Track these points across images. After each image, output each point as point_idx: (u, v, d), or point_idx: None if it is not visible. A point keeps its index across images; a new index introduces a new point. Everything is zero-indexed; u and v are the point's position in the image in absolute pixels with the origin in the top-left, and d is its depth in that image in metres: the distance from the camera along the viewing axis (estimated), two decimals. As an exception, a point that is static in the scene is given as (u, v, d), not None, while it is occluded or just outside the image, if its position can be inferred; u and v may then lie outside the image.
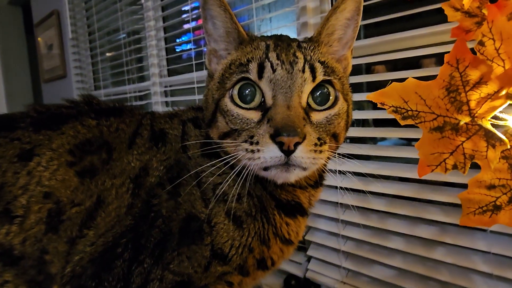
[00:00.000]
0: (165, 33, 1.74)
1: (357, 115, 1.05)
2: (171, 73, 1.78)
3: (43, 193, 0.49)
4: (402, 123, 0.38)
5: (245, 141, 0.46)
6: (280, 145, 0.44)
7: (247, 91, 0.49)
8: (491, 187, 0.39)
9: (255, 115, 0.48)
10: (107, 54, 2.09)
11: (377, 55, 0.93)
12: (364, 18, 1.09)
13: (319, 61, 0.50)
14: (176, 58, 1.78)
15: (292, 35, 1.19)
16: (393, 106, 0.38)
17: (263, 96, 0.48)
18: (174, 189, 0.50)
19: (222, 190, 0.50)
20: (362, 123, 1.19)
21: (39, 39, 2.68)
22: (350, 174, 1.06)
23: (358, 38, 1.05)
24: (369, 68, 1.13)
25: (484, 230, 0.81)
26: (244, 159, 0.47)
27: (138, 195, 0.50)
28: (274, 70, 0.47)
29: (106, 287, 0.46)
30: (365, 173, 1.00)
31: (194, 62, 1.47)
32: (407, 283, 0.91)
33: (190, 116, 0.60)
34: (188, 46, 1.57)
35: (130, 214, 0.49)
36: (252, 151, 0.45)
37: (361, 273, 1.00)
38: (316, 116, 0.49)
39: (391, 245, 0.93)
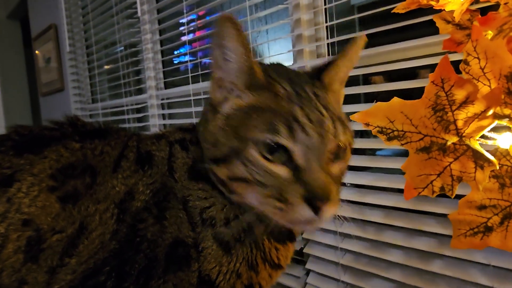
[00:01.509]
0: (161, 46, 1.75)
1: (355, 126, 1.04)
2: (168, 85, 1.78)
3: (22, 220, 0.47)
4: (388, 144, 0.37)
5: (273, 197, 0.45)
6: (314, 207, 0.44)
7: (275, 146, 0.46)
8: (482, 207, 0.37)
9: (284, 172, 0.46)
10: (105, 67, 2.10)
11: (373, 66, 0.93)
12: (360, 29, 1.10)
13: (338, 118, 0.48)
14: (172, 71, 1.78)
15: (288, 46, 1.20)
16: (378, 127, 0.37)
17: (289, 150, 0.46)
18: (160, 213, 0.49)
19: (210, 214, 0.50)
20: (361, 134, 1.18)
21: (37, 52, 2.70)
22: (348, 185, 1.06)
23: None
24: (366, 79, 1.13)
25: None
26: (269, 213, 0.47)
27: (123, 221, 0.48)
28: (306, 133, 0.45)
29: None
30: (363, 184, 1.00)
31: (190, 75, 1.48)
32: (406, 297, 0.89)
33: (178, 137, 0.58)
34: (186, 58, 1.57)
35: (114, 239, 0.47)
36: (281, 208, 0.45)
37: (360, 287, 0.99)
38: (334, 170, 0.48)
39: (389, 258, 0.92)
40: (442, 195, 0.88)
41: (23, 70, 3.37)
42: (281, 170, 0.45)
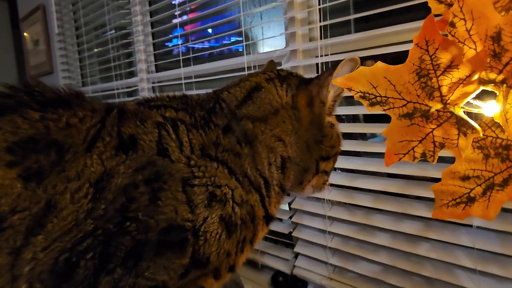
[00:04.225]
0: (152, 28, 1.72)
1: (347, 111, 1.04)
2: (159, 69, 1.75)
3: None
4: (370, 109, 0.36)
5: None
6: None
7: None
8: (465, 178, 0.37)
9: None
10: (95, 50, 2.06)
11: (367, 50, 0.92)
12: (354, 12, 1.08)
13: None
14: (163, 54, 1.75)
15: (280, 29, 1.18)
16: (360, 92, 0.36)
17: None
18: (153, 194, 0.45)
19: (224, 192, 0.48)
20: (353, 119, 1.18)
21: (25, 34, 2.63)
22: (338, 171, 1.06)
23: (348, 32, 1.04)
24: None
25: (469, 226, 0.80)
26: (308, 191, 0.66)
27: (100, 198, 0.43)
28: None
29: None
30: (353, 169, 1.00)
31: (181, 58, 1.45)
32: (392, 279, 0.90)
33: (171, 115, 0.52)
34: (178, 41, 1.55)
35: (90, 218, 0.43)
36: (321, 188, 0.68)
37: (347, 269, 1.00)
38: None
39: (377, 241, 0.92)
40: (430, 179, 0.89)
41: (11, 52, 3.29)
42: None
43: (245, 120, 0.54)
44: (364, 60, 1.08)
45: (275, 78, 0.60)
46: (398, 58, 0.99)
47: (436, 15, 0.38)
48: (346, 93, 0.50)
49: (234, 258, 0.52)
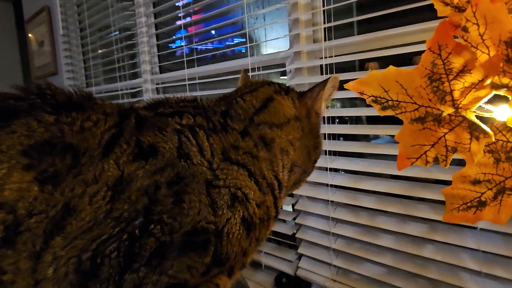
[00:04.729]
0: (156, 29, 1.72)
1: (350, 112, 1.04)
2: (163, 70, 1.76)
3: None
4: (382, 113, 0.36)
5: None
6: None
7: None
8: (476, 182, 0.37)
9: None
10: (99, 51, 2.07)
11: (370, 52, 0.92)
12: (357, 15, 1.09)
13: None
14: (167, 55, 1.76)
15: (284, 31, 1.18)
16: (372, 96, 0.36)
17: None
18: (177, 196, 0.46)
19: (246, 193, 0.50)
20: (356, 120, 1.18)
21: (30, 35, 2.64)
22: (342, 172, 1.06)
23: (351, 34, 1.04)
24: (362, 66, 1.12)
25: (474, 228, 0.80)
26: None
27: (120, 199, 0.44)
28: None
29: None
30: (357, 171, 1.00)
31: (185, 59, 1.45)
32: (397, 281, 0.90)
33: (189, 122, 0.53)
34: (182, 43, 1.55)
35: (111, 218, 0.43)
36: None
37: (351, 271, 1.00)
38: None
39: (381, 243, 0.92)
40: (434, 181, 0.89)
41: (16, 54, 3.30)
42: None
43: (263, 125, 0.58)
44: (367, 62, 1.08)
45: (281, 91, 0.65)
46: (400, 60, 1.01)
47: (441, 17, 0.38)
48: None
49: (248, 256, 0.54)
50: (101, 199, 0.43)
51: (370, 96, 0.36)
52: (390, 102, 0.36)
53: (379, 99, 0.36)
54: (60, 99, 0.49)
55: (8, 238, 0.40)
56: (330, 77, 0.65)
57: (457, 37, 0.34)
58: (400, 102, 0.36)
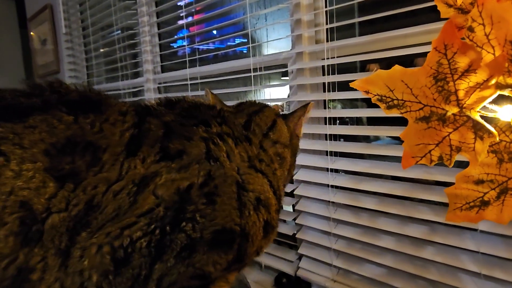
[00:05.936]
0: (158, 29, 1.73)
1: (351, 113, 1.04)
2: (165, 69, 1.76)
3: (19, 202, 0.39)
4: (387, 112, 0.36)
5: None
6: None
7: None
8: (479, 182, 0.37)
9: None
10: (101, 50, 2.07)
11: (372, 53, 0.92)
12: (358, 15, 1.09)
13: None
14: (169, 55, 1.76)
15: (286, 32, 1.18)
16: (378, 95, 0.36)
17: None
18: (209, 197, 0.48)
19: (266, 196, 0.54)
20: (356, 121, 1.18)
21: (32, 34, 2.65)
22: (342, 173, 1.06)
23: (353, 35, 1.05)
24: (363, 67, 1.12)
25: (474, 230, 0.80)
26: None
27: (143, 192, 0.45)
28: None
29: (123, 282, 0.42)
30: (358, 172, 1.00)
31: (187, 59, 1.46)
32: (397, 282, 0.90)
33: (217, 130, 0.55)
34: (183, 42, 1.55)
35: (137, 211, 0.44)
36: None
37: (351, 272, 1.00)
38: None
39: (381, 244, 0.92)
40: (435, 182, 0.89)
41: (18, 52, 3.31)
42: None
43: (279, 144, 0.66)
44: (369, 63, 1.09)
45: (278, 114, 0.72)
46: (402, 63, 1.01)
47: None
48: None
49: (258, 255, 0.57)
50: (126, 194, 0.44)
51: (375, 95, 0.37)
52: (395, 101, 0.36)
53: (385, 98, 0.36)
54: (73, 97, 0.49)
55: (32, 236, 0.40)
56: (309, 103, 0.73)
57: (462, 39, 0.34)
58: (405, 101, 0.36)
